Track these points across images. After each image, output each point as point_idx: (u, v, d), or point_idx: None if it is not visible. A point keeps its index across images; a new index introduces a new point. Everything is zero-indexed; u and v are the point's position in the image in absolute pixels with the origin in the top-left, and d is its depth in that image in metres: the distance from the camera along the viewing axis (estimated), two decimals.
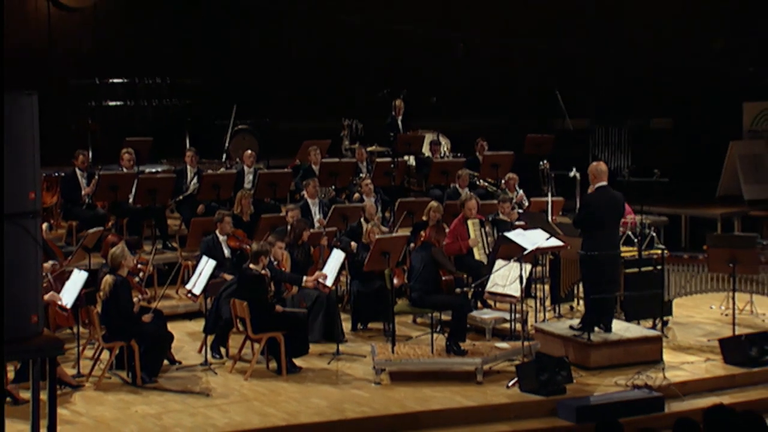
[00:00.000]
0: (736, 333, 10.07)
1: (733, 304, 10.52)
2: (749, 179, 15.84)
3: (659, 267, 10.82)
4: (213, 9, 17.66)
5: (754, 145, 16.23)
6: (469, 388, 9.20)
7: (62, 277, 10.03)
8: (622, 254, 10.80)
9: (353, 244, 11.37)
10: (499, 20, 18.05)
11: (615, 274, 10.16)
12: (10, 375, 8.97)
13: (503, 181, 13.69)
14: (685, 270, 10.95)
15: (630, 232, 11.28)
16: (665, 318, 10.87)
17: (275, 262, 10.37)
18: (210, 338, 10.19)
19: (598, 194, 10.00)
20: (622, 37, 17.60)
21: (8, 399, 8.75)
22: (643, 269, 10.82)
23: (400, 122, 15.42)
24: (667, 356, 9.91)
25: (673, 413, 8.77)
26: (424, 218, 11.39)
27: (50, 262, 10.27)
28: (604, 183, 10.02)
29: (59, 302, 9.56)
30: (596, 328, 9.87)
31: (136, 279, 10.27)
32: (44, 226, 10.37)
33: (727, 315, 10.84)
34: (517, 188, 13.37)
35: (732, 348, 9.87)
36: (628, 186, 12.28)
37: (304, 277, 10.55)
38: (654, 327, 10.53)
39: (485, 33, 17.87)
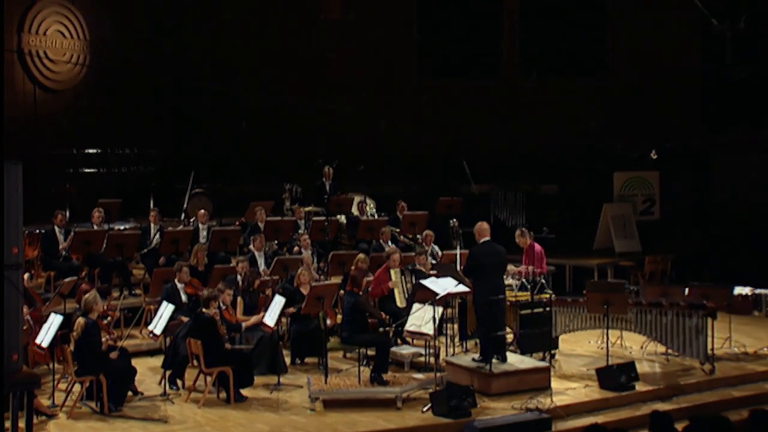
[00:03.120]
0: (609, 363, 10.14)
1: (607, 338, 10.57)
2: (619, 235, 16.02)
3: (548, 308, 10.83)
4: (172, 90, 17.60)
5: (623, 208, 16.43)
6: (390, 413, 9.16)
7: (41, 320, 9.80)
8: (519, 298, 10.89)
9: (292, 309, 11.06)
10: (416, 109, 18.29)
11: (499, 315, 10.10)
12: None
13: (420, 237, 13.72)
14: (569, 311, 10.99)
15: (524, 280, 11.42)
16: (553, 351, 10.88)
17: (224, 307, 10.27)
18: (168, 372, 10.01)
19: (483, 247, 10.07)
20: (518, 121, 17.93)
21: None
22: (535, 310, 10.79)
23: (328, 186, 15.45)
24: (554, 383, 9.95)
25: (559, 431, 8.91)
26: (353, 268, 11.40)
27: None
28: (488, 238, 10.09)
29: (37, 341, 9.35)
30: (495, 360, 9.90)
31: (105, 321, 10.07)
32: (26, 276, 10.14)
33: (602, 348, 10.89)
34: (434, 243, 13.37)
35: (606, 376, 9.95)
36: None
37: (243, 324, 10.44)
38: (544, 359, 10.55)
39: (404, 116, 18.10)
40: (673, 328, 10.58)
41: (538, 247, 11.58)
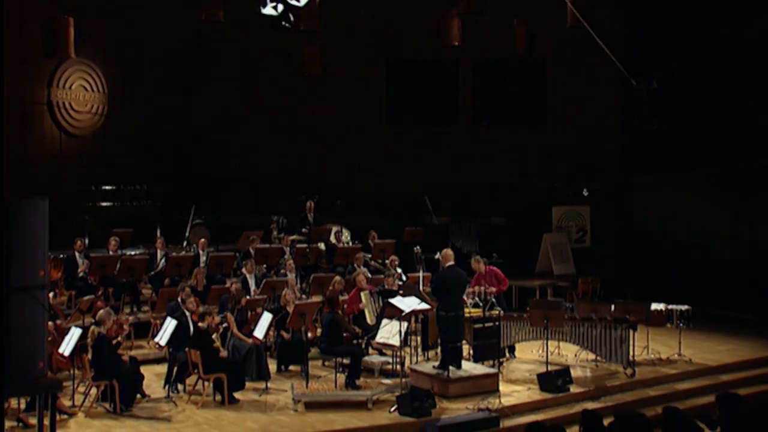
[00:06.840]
0: (548, 369, 10.23)
1: (546, 348, 10.73)
2: (557, 260, 16.13)
3: (497, 323, 10.90)
4: (176, 136, 17.63)
5: (560, 237, 16.57)
6: (362, 413, 9.20)
7: (63, 332, 9.76)
8: (472, 314, 10.93)
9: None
10: (385, 152, 18.33)
11: (459, 328, 10.21)
12: (23, 406, 8.68)
13: (388, 261, 13.79)
14: (515, 325, 11.11)
15: (477, 298, 11.52)
16: (507, 357, 10.97)
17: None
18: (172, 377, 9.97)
19: (448, 271, 10.17)
20: (472, 163, 18.09)
21: (20, 424, 8.48)
22: (486, 324, 10.86)
23: (311, 218, 15.50)
24: (502, 387, 10.01)
25: (506, 428, 8.96)
26: (330, 289, 11.44)
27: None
28: (452, 263, 10.19)
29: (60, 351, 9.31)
30: (451, 367, 9.99)
31: (116, 326, 9.90)
32: (50, 294, 10.09)
33: (542, 356, 11.01)
34: (398, 267, 13.46)
35: (545, 380, 10.04)
36: None
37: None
38: (493, 366, 10.61)
39: (375, 158, 18.19)
40: (601, 338, 10.76)
41: (493, 269, 11.76)
